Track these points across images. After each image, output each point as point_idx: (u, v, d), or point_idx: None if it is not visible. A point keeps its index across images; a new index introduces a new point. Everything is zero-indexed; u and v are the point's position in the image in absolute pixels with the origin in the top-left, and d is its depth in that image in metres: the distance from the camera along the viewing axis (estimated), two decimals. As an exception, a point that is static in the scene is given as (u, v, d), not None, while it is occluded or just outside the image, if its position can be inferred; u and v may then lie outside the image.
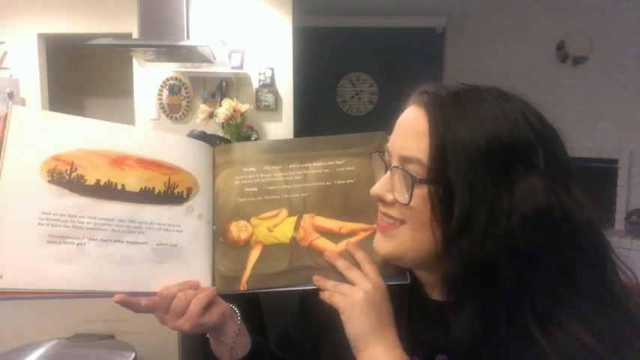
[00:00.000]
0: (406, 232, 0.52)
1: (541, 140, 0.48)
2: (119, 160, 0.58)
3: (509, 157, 0.47)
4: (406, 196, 0.50)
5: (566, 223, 0.46)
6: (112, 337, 1.10)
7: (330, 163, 0.65)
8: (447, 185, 0.47)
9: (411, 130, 0.51)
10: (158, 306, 0.57)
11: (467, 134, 0.47)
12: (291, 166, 0.65)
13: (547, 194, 0.46)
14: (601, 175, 3.66)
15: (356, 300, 0.53)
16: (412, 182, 0.49)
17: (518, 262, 0.46)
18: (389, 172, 0.54)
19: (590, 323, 0.45)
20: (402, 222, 0.53)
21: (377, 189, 0.55)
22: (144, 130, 0.65)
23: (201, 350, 1.31)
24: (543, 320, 0.46)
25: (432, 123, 0.49)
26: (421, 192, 0.49)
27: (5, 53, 3.62)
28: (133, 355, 0.97)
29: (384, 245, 0.55)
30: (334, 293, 0.56)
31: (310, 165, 0.65)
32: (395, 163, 0.53)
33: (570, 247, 0.46)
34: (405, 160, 0.51)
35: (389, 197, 0.53)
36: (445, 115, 0.49)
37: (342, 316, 0.54)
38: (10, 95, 2.99)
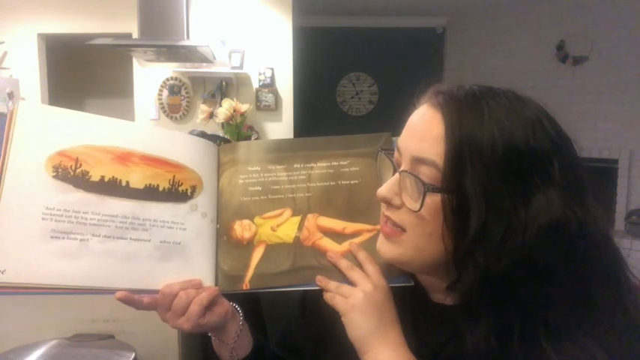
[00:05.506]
0: (410, 239, 0.51)
1: (557, 150, 0.46)
2: (124, 157, 0.58)
3: (525, 167, 0.45)
4: (417, 204, 0.48)
5: (581, 236, 0.45)
6: (112, 337, 1.09)
7: (335, 163, 0.65)
8: (462, 195, 0.45)
9: (425, 132, 0.49)
10: (160, 304, 0.57)
11: (485, 141, 0.45)
12: (295, 166, 0.65)
13: (563, 207, 0.45)
14: (601, 175, 3.66)
15: (355, 301, 0.52)
16: (424, 189, 0.47)
17: (533, 275, 0.44)
18: (397, 175, 0.52)
19: (605, 341, 0.44)
20: (403, 230, 0.52)
21: (385, 191, 0.53)
22: (149, 127, 0.65)
23: (201, 350, 1.31)
24: (556, 335, 0.45)
25: (449, 128, 0.47)
26: (433, 200, 0.48)
27: (5, 53, 3.62)
28: (133, 355, 0.96)
29: (388, 250, 0.54)
30: (335, 295, 0.55)
31: (315, 165, 0.65)
32: (406, 163, 0.51)
33: (586, 262, 0.45)
34: (418, 161, 0.49)
35: (396, 201, 0.52)
36: (462, 120, 0.47)
37: (342, 319, 0.53)
38: (10, 95, 2.99)
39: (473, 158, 0.45)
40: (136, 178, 0.58)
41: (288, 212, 0.63)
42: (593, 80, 3.88)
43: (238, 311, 0.64)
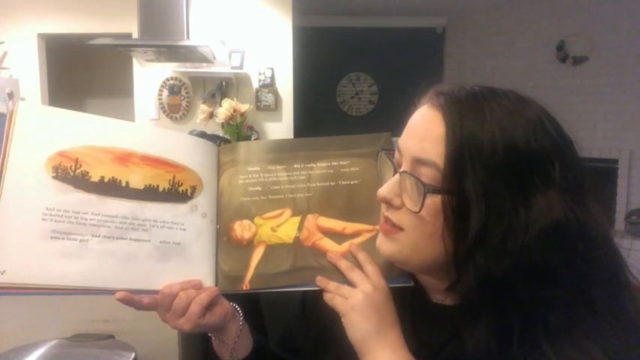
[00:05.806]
0: (408, 238, 0.51)
1: (557, 151, 0.46)
2: (124, 157, 0.58)
3: (526, 168, 0.45)
4: (417, 205, 0.48)
5: (581, 237, 0.45)
6: (112, 337, 1.09)
7: (335, 163, 0.65)
8: (462, 196, 0.45)
9: (426, 132, 0.49)
10: (160, 304, 0.57)
11: (485, 142, 0.45)
12: (295, 166, 0.65)
13: (563, 208, 0.44)
14: (601, 175, 3.66)
15: (355, 302, 0.52)
16: (424, 190, 0.47)
17: (533, 277, 0.44)
18: (398, 175, 0.52)
19: (606, 343, 0.44)
20: (400, 229, 0.52)
21: (385, 191, 0.53)
22: (149, 128, 0.65)
23: (201, 350, 1.31)
24: (556, 337, 0.45)
25: (450, 129, 0.47)
26: (433, 201, 0.48)
27: (5, 53, 3.62)
28: (133, 355, 0.97)
29: (386, 247, 0.54)
30: (335, 296, 0.55)
31: (315, 165, 0.65)
32: (406, 164, 0.51)
33: (586, 263, 0.45)
34: (419, 161, 0.49)
35: (396, 201, 0.52)
36: (463, 121, 0.47)
37: (342, 320, 0.53)
38: (10, 95, 2.99)
39: (473, 159, 0.45)
40: (136, 179, 0.58)
41: (288, 212, 0.63)
42: (593, 80, 3.88)
43: (238, 311, 0.64)
